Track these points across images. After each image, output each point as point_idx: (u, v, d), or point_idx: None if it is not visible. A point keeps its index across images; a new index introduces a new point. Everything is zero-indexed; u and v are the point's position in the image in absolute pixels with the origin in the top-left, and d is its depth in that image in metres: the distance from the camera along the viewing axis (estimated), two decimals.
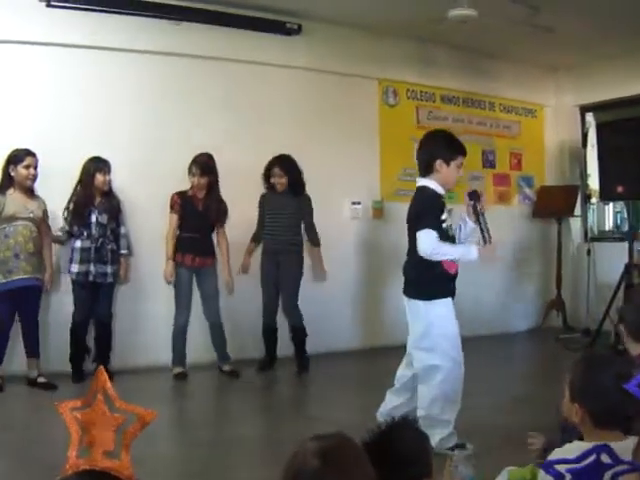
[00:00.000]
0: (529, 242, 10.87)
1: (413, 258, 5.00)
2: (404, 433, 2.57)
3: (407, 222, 5.10)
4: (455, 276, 5.05)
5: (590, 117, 10.90)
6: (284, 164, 7.88)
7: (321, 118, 8.84)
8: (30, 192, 7.11)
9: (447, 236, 4.94)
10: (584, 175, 10.88)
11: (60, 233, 7.34)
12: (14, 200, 6.98)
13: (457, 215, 5.25)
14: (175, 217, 7.61)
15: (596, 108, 10.77)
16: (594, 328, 9.12)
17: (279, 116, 8.73)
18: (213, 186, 7.68)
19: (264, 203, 8.07)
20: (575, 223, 11.00)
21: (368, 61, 9.26)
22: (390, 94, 9.70)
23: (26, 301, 7.07)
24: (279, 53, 8.69)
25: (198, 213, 7.64)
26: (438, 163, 4.97)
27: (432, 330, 4.98)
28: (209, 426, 6.13)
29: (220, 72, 8.52)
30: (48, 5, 7.52)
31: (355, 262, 9.18)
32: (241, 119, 8.57)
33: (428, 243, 4.81)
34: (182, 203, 7.62)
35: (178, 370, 7.59)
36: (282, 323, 8.13)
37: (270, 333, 8.09)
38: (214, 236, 7.81)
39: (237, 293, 8.07)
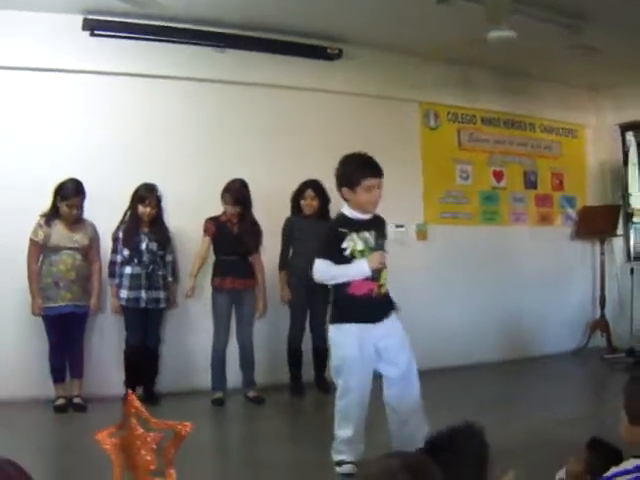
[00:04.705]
0: (571, 262, 10.83)
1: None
2: (464, 433, 2.61)
3: None
4: (367, 298, 4.98)
5: (630, 136, 10.85)
6: (317, 188, 7.96)
7: (362, 142, 8.59)
8: (76, 221, 7.23)
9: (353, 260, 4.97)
10: (626, 194, 10.83)
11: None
12: (59, 231, 7.13)
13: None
14: (207, 240, 7.69)
15: (636, 127, 10.71)
16: (639, 348, 9.09)
17: (320, 141, 8.72)
18: (246, 213, 7.70)
19: (291, 227, 8.11)
20: (617, 243, 10.93)
21: (409, 84, 9.31)
22: (431, 117, 9.74)
23: (69, 326, 7.22)
24: (320, 78, 8.76)
25: (233, 237, 7.63)
26: (344, 191, 5.02)
27: (333, 351, 5.10)
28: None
29: (262, 98, 8.60)
30: (92, 34, 7.67)
31: (400, 285, 9.04)
32: (280, 144, 8.65)
33: (315, 270, 4.99)
34: (216, 227, 7.66)
35: (216, 396, 7.58)
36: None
37: (298, 356, 8.14)
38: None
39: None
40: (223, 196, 7.59)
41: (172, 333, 8.01)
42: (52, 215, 7.13)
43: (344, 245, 4.91)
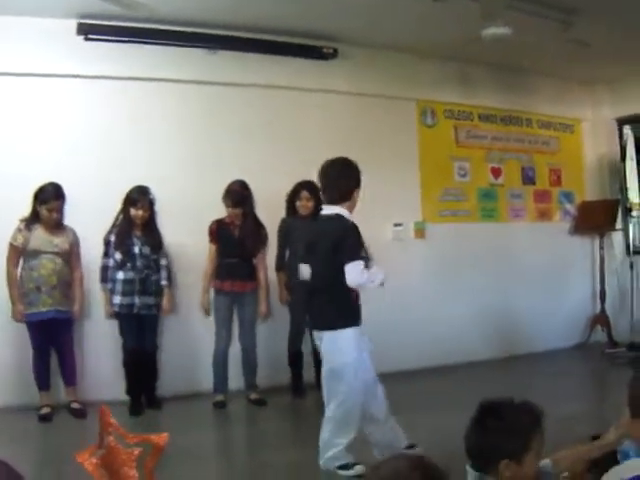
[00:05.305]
0: (571, 258, 10.82)
1: (331, 289, 5.04)
2: (518, 408, 2.71)
3: (321, 251, 5.19)
4: (358, 301, 5.11)
5: (627, 130, 10.80)
6: (312, 189, 7.75)
7: (359, 141, 8.69)
8: (57, 226, 7.15)
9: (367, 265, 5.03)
10: (624, 188, 10.80)
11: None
12: (39, 235, 7.04)
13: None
14: (213, 247, 7.64)
15: (633, 121, 10.67)
16: (639, 342, 9.09)
17: (317, 141, 8.63)
18: (248, 214, 7.64)
19: (287, 228, 8.02)
20: (617, 237, 10.92)
21: (405, 82, 9.30)
22: (428, 114, 9.73)
23: (56, 332, 7.14)
24: (316, 78, 8.74)
25: (235, 240, 7.60)
26: (356, 192, 5.13)
27: (331, 357, 5.11)
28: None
29: (257, 99, 8.57)
30: (86, 39, 7.64)
31: (398, 284, 8.80)
32: (278, 145, 8.62)
33: (359, 274, 4.90)
34: (218, 231, 7.63)
35: (217, 398, 7.57)
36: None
37: (299, 357, 8.09)
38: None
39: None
40: (224, 199, 7.54)
41: (174, 336, 7.96)
42: (32, 219, 7.03)
43: None
